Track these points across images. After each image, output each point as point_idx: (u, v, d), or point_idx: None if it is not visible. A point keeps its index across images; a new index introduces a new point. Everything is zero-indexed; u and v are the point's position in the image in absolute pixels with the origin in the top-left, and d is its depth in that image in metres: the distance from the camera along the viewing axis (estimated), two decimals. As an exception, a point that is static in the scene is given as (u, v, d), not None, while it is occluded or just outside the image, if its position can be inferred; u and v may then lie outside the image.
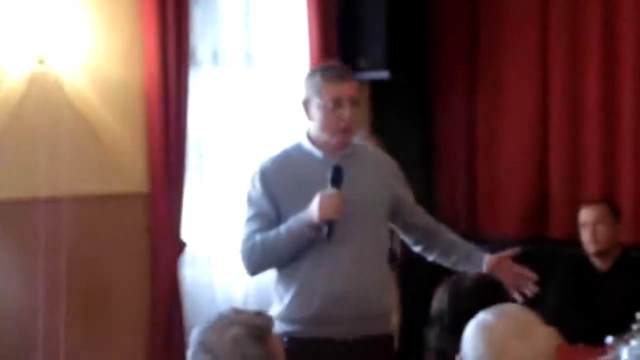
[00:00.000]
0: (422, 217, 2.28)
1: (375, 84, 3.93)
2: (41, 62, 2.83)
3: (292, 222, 2.08)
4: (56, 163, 2.85)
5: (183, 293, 3.16)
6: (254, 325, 1.36)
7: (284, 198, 2.11)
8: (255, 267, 2.14)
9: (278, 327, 2.14)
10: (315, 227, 2.05)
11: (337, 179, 2.07)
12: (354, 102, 2.12)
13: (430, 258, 2.30)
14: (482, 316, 1.28)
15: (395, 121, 4.01)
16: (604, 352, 2.39)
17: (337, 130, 2.12)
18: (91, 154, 3.00)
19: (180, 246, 3.15)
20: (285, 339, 2.09)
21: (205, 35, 3.32)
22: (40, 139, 2.83)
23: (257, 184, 2.14)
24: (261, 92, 3.51)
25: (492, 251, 3.68)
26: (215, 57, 3.35)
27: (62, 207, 2.85)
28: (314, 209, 2.04)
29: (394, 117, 4.01)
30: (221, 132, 3.38)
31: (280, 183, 2.13)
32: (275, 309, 2.16)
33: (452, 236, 2.29)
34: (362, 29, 3.70)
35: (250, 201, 2.17)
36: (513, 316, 1.27)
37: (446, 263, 2.27)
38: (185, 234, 3.17)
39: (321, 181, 2.08)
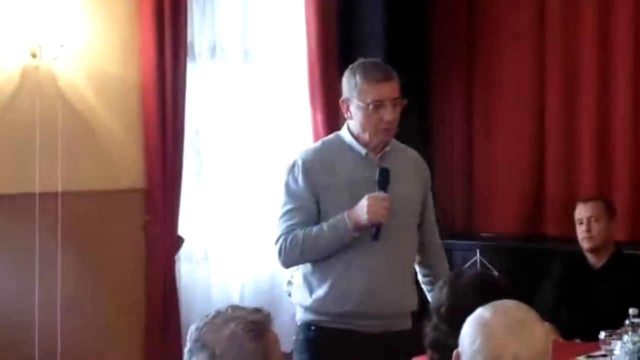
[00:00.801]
0: (429, 236, 2.26)
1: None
2: (34, 55, 2.80)
3: (336, 221, 2.07)
4: (51, 158, 2.83)
5: (179, 289, 3.15)
6: (251, 322, 1.36)
7: (326, 191, 2.09)
8: (291, 262, 2.15)
9: (303, 316, 2.14)
10: (361, 228, 2.05)
11: (384, 181, 2.06)
12: (397, 103, 2.11)
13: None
14: (480, 312, 1.29)
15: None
16: (598, 348, 2.40)
17: (378, 131, 2.10)
18: (87, 149, 2.99)
19: (177, 242, 3.14)
20: (312, 328, 2.12)
21: (203, 30, 3.30)
22: (34, 134, 2.81)
23: (299, 176, 2.11)
24: (259, 88, 3.50)
25: (488, 248, 3.71)
26: (212, 51, 3.34)
27: (57, 203, 2.84)
28: (362, 211, 2.03)
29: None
30: (219, 127, 3.38)
31: (323, 175, 2.11)
32: (302, 299, 2.15)
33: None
34: (360, 26, 3.71)
35: (290, 193, 2.13)
36: (510, 312, 1.28)
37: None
38: (182, 230, 3.17)
39: (364, 178, 2.08)
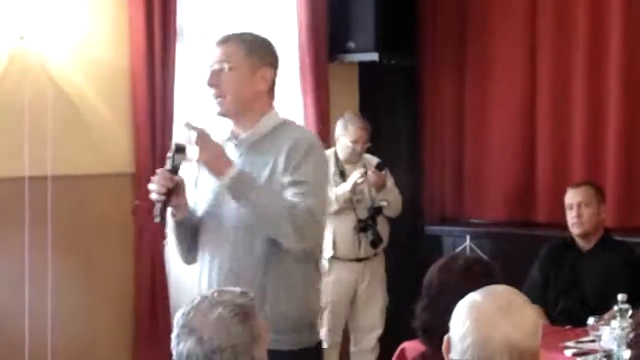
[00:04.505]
0: None
1: (364, 66, 3.92)
2: (22, 38, 2.77)
3: None
4: (40, 142, 2.82)
5: (168, 274, 3.15)
6: (237, 305, 1.36)
7: None
8: None
9: None
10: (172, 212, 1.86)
11: (173, 157, 1.83)
12: (219, 68, 1.83)
13: None
14: (470, 296, 1.29)
15: (384, 103, 4.01)
16: (586, 333, 2.41)
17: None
18: (75, 133, 2.97)
19: (165, 227, 3.13)
20: None
21: (193, 12, 3.28)
22: (23, 117, 2.79)
23: None
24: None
25: (479, 234, 3.73)
26: (202, 36, 3.32)
27: (47, 187, 2.83)
28: None
29: (382, 99, 4.01)
30: (207, 111, 3.35)
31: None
32: None
33: None
34: (351, 11, 3.69)
35: None
36: (500, 295, 1.29)
37: None
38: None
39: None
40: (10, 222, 2.79)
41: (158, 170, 1.85)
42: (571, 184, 3.17)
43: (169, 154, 1.86)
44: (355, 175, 3.34)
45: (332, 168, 3.41)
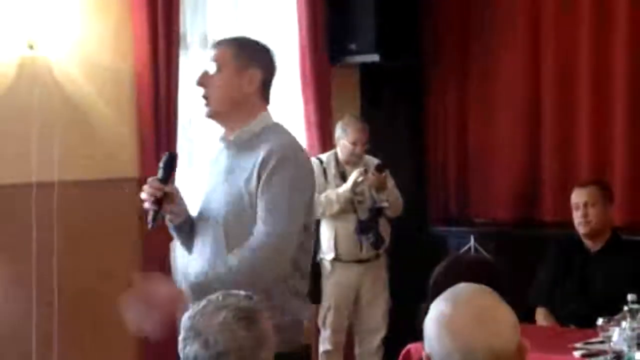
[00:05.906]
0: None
1: (365, 68, 3.92)
2: (31, 47, 2.82)
3: None
4: (47, 148, 2.85)
5: (175, 274, 3.15)
6: (242, 309, 1.36)
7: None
8: None
9: None
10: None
11: (165, 166, 1.83)
12: (215, 68, 1.84)
13: None
14: (438, 308, 1.19)
15: (385, 105, 4.01)
16: (595, 334, 2.40)
17: None
18: (82, 139, 3.00)
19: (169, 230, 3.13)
20: None
21: (195, 20, 3.30)
22: (31, 124, 2.83)
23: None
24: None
25: (483, 234, 3.71)
26: (204, 41, 3.34)
27: (53, 192, 2.85)
28: None
29: (384, 100, 4.01)
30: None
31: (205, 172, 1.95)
32: None
33: None
34: (352, 12, 3.69)
35: None
36: (469, 302, 1.19)
37: None
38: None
39: (215, 166, 1.88)
40: (17, 227, 2.81)
41: (148, 179, 1.85)
42: (578, 183, 3.14)
43: (161, 164, 1.85)
44: (354, 174, 3.34)
45: (332, 170, 3.43)
